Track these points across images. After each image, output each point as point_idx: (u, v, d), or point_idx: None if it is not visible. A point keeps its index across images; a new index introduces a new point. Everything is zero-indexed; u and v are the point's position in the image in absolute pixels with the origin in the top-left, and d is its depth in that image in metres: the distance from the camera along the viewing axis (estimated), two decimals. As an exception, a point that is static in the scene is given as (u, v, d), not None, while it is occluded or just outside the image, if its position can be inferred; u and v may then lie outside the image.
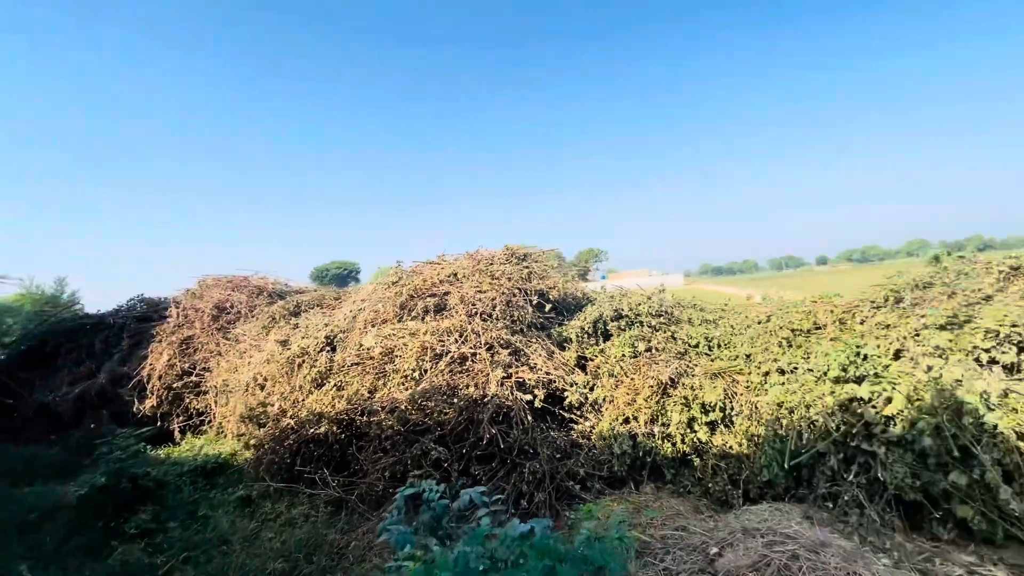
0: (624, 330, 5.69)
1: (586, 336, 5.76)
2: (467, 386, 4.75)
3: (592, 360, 5.55)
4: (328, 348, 6.03)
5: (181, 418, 8.00)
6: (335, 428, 5.35)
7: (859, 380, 4.17)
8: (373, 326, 5.71)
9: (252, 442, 6.07)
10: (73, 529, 4.47)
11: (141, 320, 9.87)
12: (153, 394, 8.02)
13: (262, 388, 6.47)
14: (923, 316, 4.24)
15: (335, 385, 5.54)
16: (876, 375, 4.12)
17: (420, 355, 4.93)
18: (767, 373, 4.75)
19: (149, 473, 5.24)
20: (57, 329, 9.88)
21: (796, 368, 4.63)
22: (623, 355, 5.41)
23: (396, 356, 5.13)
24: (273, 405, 5.93)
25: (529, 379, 4.90)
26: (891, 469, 3.55)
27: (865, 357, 4.26)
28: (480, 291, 5.58)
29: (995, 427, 3.25)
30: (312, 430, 5.35)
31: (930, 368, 3.73)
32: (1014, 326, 3.56)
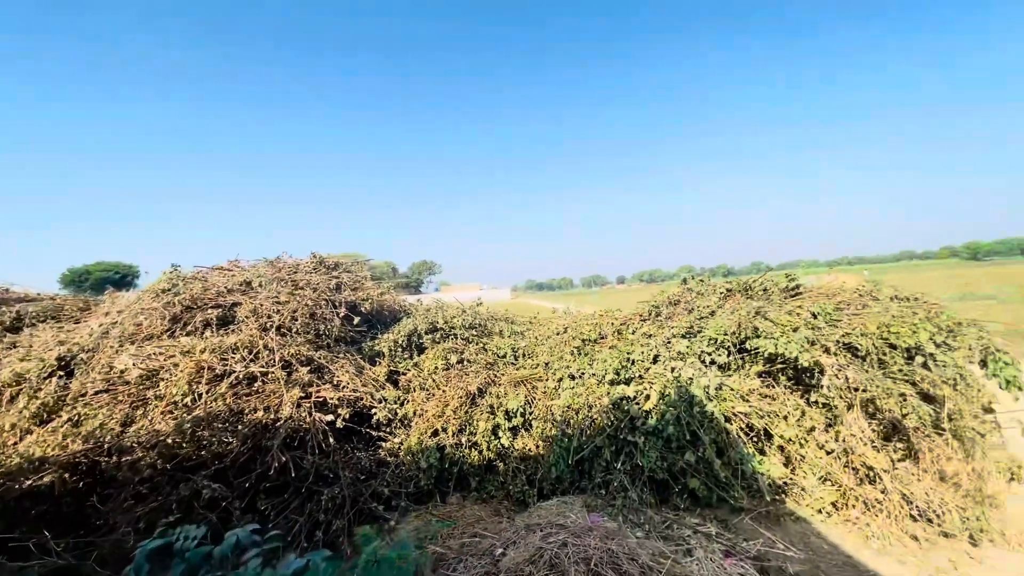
0: (438, 343, 5.75)
1: (400, 350, 5.65)
2: (255, 410, 4.19)
3: (405, 374, 5.46)
4: (62, 373, 4.69)
5: None
6: (67, 476, 4.17)
7: (628, 382, 4.94)
8: (132, 343, 4.64)
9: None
10: None
11: None
12: None
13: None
14: (672, 327, 5.26)
15: (69, 419, 4.33)
16: (640, 377, 4.93)
17: (195, 377, 4.17)
18: (561, 379, 5.30)
19: None
20: None
21: (584, 373, 5.27)
22: (436, 368, 5.45)
23: (162, 379, 4.24)
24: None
25: (332, 398, 4.55)
26: (647, 455, 4.27)
27: (633, 362, 5.07)
28: (278, 302, 5.01)
29: (712, 414, 4.17)
30: (28, 482, 4.08)
31: (674, 369, 4.62)
32: (725, 335, 4.65)
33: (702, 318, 5.24)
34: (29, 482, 4.13)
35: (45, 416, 4.46)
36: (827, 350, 4.22)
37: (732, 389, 4.40)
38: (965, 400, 3.94)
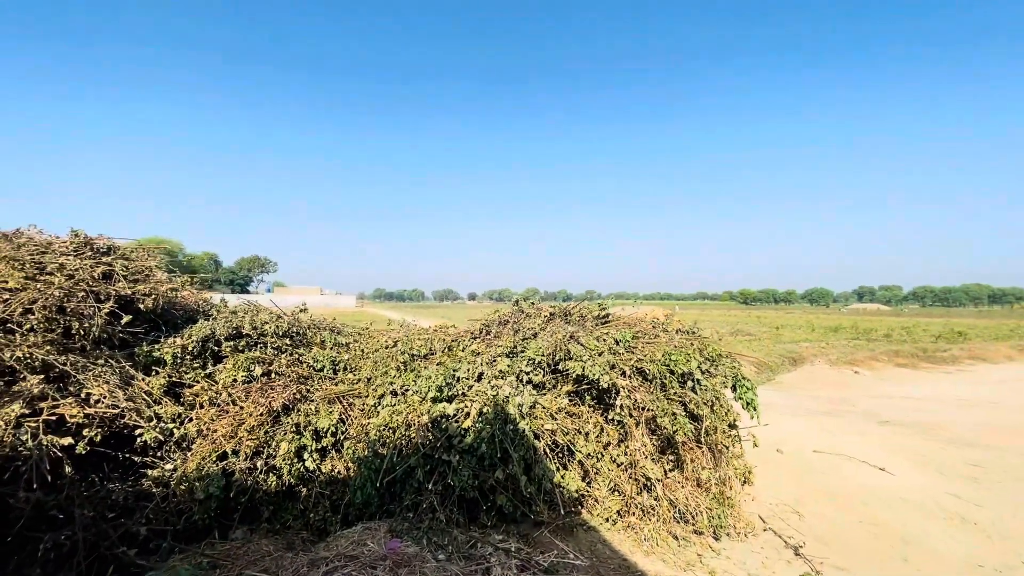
0: (241, 351, 5.00)
1: (189, 357, 4.76)
2: (-62, 432, 3.06)
3: (192, 387, 4.60)
4: None
5: None
6: None
7: (451, 399, 4.90)
8: None
9: None
10: None
11: None
12: None
13: None
14: (498, 346, 5.43)
15: None
16: (463, 394, 4.94)
17: None
18: (382, 396, 5.03)
19: None
20: None
21: (407, 390, 5.08)
22: (235, 380, 4.71)
23: None
24: None
25: (75, 416, 3.58)
26: (459, 473, 4.24)
27: (458, 379, 5.06)
28: (7, 288, 3.80)
29: (523, 431, 4.35)
30: None
31: (494, 387, 4.73)
32: (543, 355, 4.95)
33: (526, 339, 5.51)
34: None
35: None
36: (624, 373, 4.76)
37: (544, 407, 4.67)
38: (718, 418, 4.80)
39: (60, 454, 3.45)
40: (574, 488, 4.39)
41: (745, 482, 5.34)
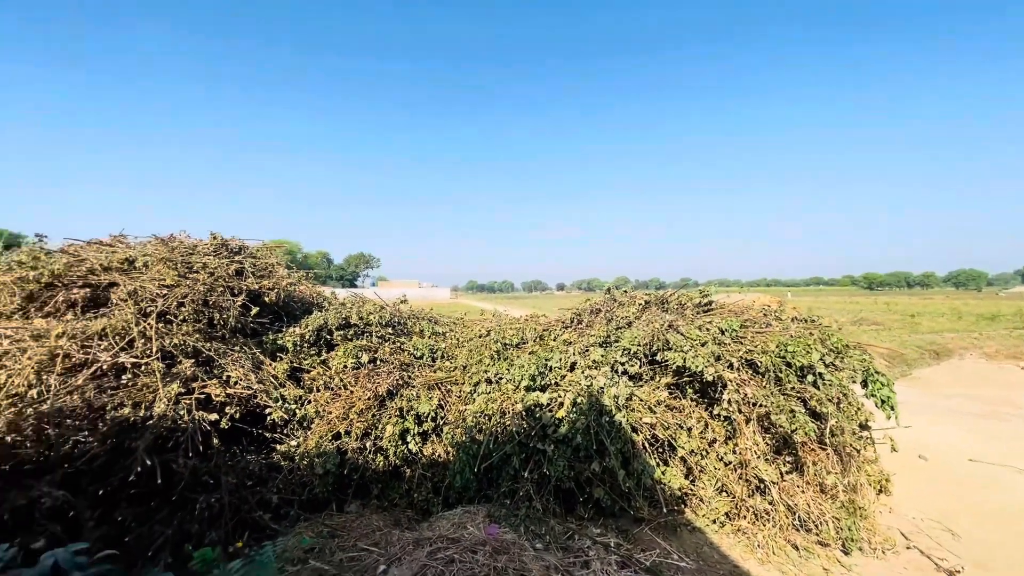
0: (350, 340, 5.40)
1: (306, 345, 5.25)
2: (121, 406, 3.66)
3: (309, 372, 5.06)
4: None
5: None
6: None
7: (544, 388, 4.87)
8: (-30, 323, 3.93)
9: None
10: None
11: None
12: None
13: None
14: (591, 336, 5.28)
15: None
16: (556, 384, 4.89)
17: (45, 365, 3.58)
18: (477, 383, 5.14)
19: None
20: None
21: (501, 378, 5.15)
22: (345, 366, 5.11)
23: (3, 366, 3.61)
24: None
25: (219, 395, 4.10)
26: (555, 463, 4.21)
27: (550, 368, 5.02)
28: (165, 285, 4.45)
29: (620, 424, 4.19)
30: None
31: (588, 377, 4.61)
32: (639, 345, 4.72)
33: (619, 328, 5.30)
34: None
35: None
36: (731, 365, 4.38)
37: (641, 400, 4.46)
38: (846, 418, 4.23)
39: (208, 428, 3.98)
40: (677, 486, 4.15)
41: (881, 491, 4.67)
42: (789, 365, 4.37)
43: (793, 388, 4.27)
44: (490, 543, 2.90)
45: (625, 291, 6.96)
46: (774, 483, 4.08)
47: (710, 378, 4.28)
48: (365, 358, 5.16)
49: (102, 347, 3.83)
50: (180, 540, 3.66)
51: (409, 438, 4.74)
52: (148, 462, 3.45)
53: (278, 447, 4.51)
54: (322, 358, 5.20)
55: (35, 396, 3.50)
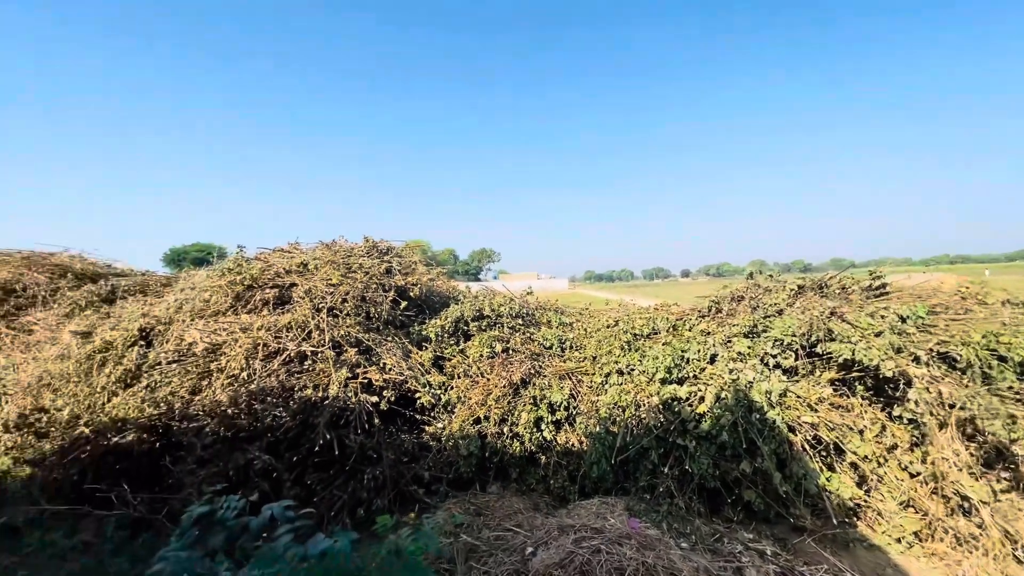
0: (484, 330, 5.69)
1: (446, 335, 5.66)
2: (305, 387, 4.34)
3: (450, 360, 5.46)
4: (142, 342, 5.12)
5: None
6: (144, 436, 4.55)
7: (681, 381, 4.63)
8: (201, 318, 4.97)
9: (28, 456, 4.92)
10: None
11: None
12: None
13: (51, 388, 5.30)
14: (733, 325, 4.86)
15: (147, 386, 4.72)
16: (695, 377, 4.61)
17: (251, 353, 4.39)
18: (608, 374, 5.06)
19: None
20: None
21: (633, 369, 5.00)
22: (481, 355, 5.40)
23: (224, 353, 4.51)
24: (62, 410, 4.88)
25: (378, 380, 4.63)
26: (698, 461, 3.98)
27: (688, 360, 4.74)
28: (332, 284, 5.15)
29: (773, 422, 3.79)
30: (114, 439, 4.50)
31: (732, 371, 4.25)
32: (794, 336, 4.21)
33: (767, 317, 4.79)
34: (115, 439, 4.55)
35: (128, 381, 4.90)
36: (917, 359, 3.69)
37: (798, 396, 3.99)
38: (1095, 428, 3.30)
39: (371, 409, 4.51)
40: (847, 496, 3.64)
41: None
42: (1003, 359, 3.55)
43: (1010, 388, 3.46)
44: (635, 538, 2.84)
45: (770, 275, 6.27)
46: (984, 503, 3.35)
47: (889, 373, 3.67)
48: (499, 347, 5.39)
49: (289, 337, 4.59)
50: (353, 505, 4.23)
51: (543, 426, 4.86)
52: (328, 436, 4.04)
53: (427, 428, 4.95)
54: (460, 347, 5.57)
55: (245, 377, 4.30)
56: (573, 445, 4.81)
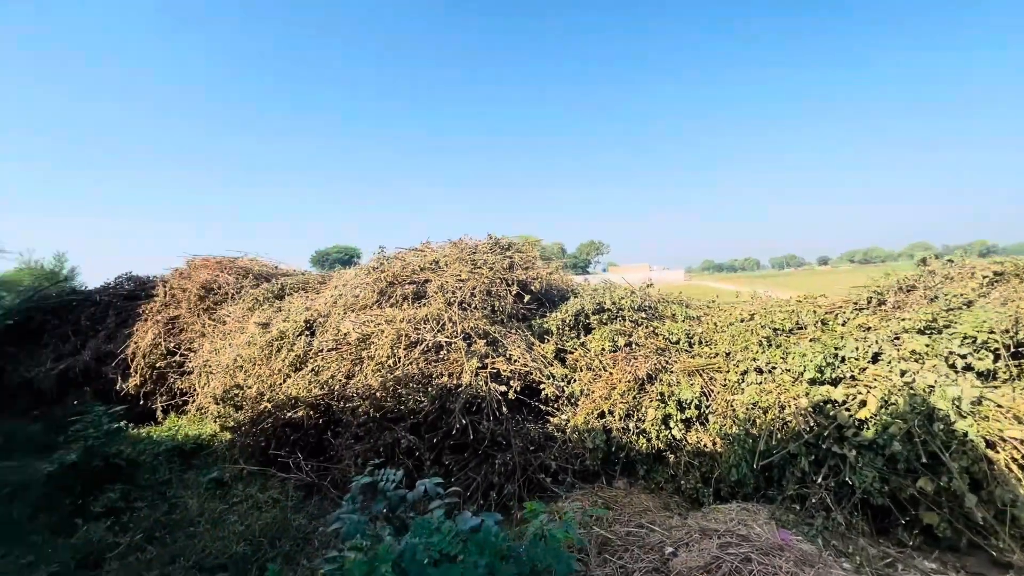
0: (605, 324, 5.63)
1: (567, 328, 5.70)
2: (441, 375, 4.70)
3: (571, 353, 5.50)
4: (307, 332, 5.97)
5: (164, 397, 7.97)
6: (311, 413, 5.32)
7: (835, 382, 4.12)
8: (352, 312, 5.65)
9: (229, 424, 6.05)
10: (41, 507, 4.46)
11: (128, 298, 9.81)
12: (136, 373, 7.99)
13: (242, 370, 6.43)
14: (903, 319, 4.18)
15: (312, 370, 5.50)
16: (852, 377, 4.07)
17: (395, 342, 4.87)
18: (745, 372, 4.69)
19: (122, 452, 5.23)
20: (44, 305, 9.83)
21: (774, 368, 4.57)
22: (603, 349, 5.35)
23: (372, 343, 5.07)
24: (251, 388, 5.90)
25: (505, 370, 4.84)
26: (860, 473, 3.51)
27: (843, 359, 4.21)
28: (460, 280, 5.50)
29: (965, 435, 3.20)
30: (288, 414, 5.33)
31: (905, 372, 3.67)
32: (991, 332, 3.50)
33: (951, 309, 4.04)
34: (289, 414, 5.38)
35: (297, 365, 5.75)
36: None
37: (1000, 406, 3.31)
38: None
39: (499, 397, 4.74)
40: (1077, 531, 2.94)
41: None
42: None
43: None
44: (788, 551, 2.60)
45: (949, 260, 5.29)
46: None
47: None
48: (621, 341, 5.30)
49: (426, 329, 5.00)
50: (486, 488, 4.49)
51: (672, 423, 4.67)
52: (463, 421, 4.33)
53: (551, 419, 5.06)
54: (581, 340, 5.58)
55: (391, 364, 4.79)
56: (705, 445, 4.55)
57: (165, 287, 9.36)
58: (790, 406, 4.10)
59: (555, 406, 5.16)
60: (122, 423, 6.00)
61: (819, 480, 3.71)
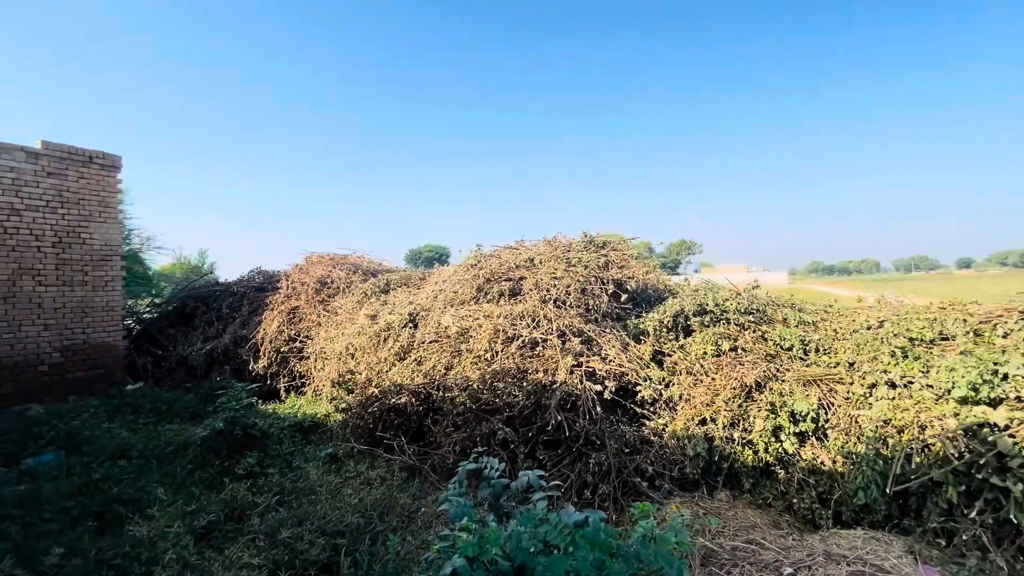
0: (707, 326, 5.33)
1: (664, 330, 5.49)
2: (536, 371, 4.77)
3: (670, 356, 5.29)
4: (411, 325, 6.37)
5: (286, 379, 8.96)
6: (413, 400, 5.67)
7: (994, 403, 3.55)
8: (451, 306, 5.93)
9: (342, 406, 6.64)
10: (196, 464, 5.24)
11: (258, 290, 11.15)
12: (264, 355, 9.07)
13: (353, 357, 7.03)
14: (1093, 333, 3.48)
15: (415, 360, 5.85)
16: (1019, 399, 3.48)
17: (492, 337, 5.03)
18: (873, 385, 4.20)
19: (257, 424, 5.96)
20: (195, 294, 11.50)
21: (911, 383, 4.04)
22: (704, 353, 5.08)
23: (470, 337, 5.29)
24: (360, 374, 6.43)
25: (600, 369, 4.79)
26: (1028, 510, 3.00)
27: (1005, 377, 3.61)
28: (555, 277, 5.53)
29: None
30: (393, 400, 5.73)
31: (1096, 396, 3.06)
32: None
33: None
34: (393, 400, 5.77)
35: (402, 355, 6.16)
36: None
37: None
38: None
39: (594, 396, 4.70)
40: None
41: None
42: None
43: None
44: (936, 589, 2.29)
45: None
46: None
47: None
48: (726, 346, 5.00)
49: (522, 325, 5.11)
50: (580, 486, 4.48)
51: (783, 436, 4.32)
52: (559, 417, 4.36)
53: (647, 423, 4.91)
54: (680, 343, 5.34)
55: (488, 358, 4.96)
56: (823, 463, 4.15)
57: (287, 281, 10.50)
58: (933, 426, 3.60)
59: (651, 409, 5.00)
60: (254, 399, 6.85)
61: (972, 515, 3.22)
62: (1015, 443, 3.21)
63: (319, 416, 7.30)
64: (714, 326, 5.34)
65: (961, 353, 4.07)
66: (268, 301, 10.21)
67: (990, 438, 3.28)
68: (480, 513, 2.90)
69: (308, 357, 8.92)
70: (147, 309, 11.93)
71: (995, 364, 3.68)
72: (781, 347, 5.02)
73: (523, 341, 5.02)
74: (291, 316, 9.75)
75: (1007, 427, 3.32)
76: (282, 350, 9.16)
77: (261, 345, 9.34)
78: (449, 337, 5.54)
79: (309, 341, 9.14)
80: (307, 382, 8.93)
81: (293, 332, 9.42)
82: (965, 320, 4.44)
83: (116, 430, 6.41)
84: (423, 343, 5.87)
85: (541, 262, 5.97)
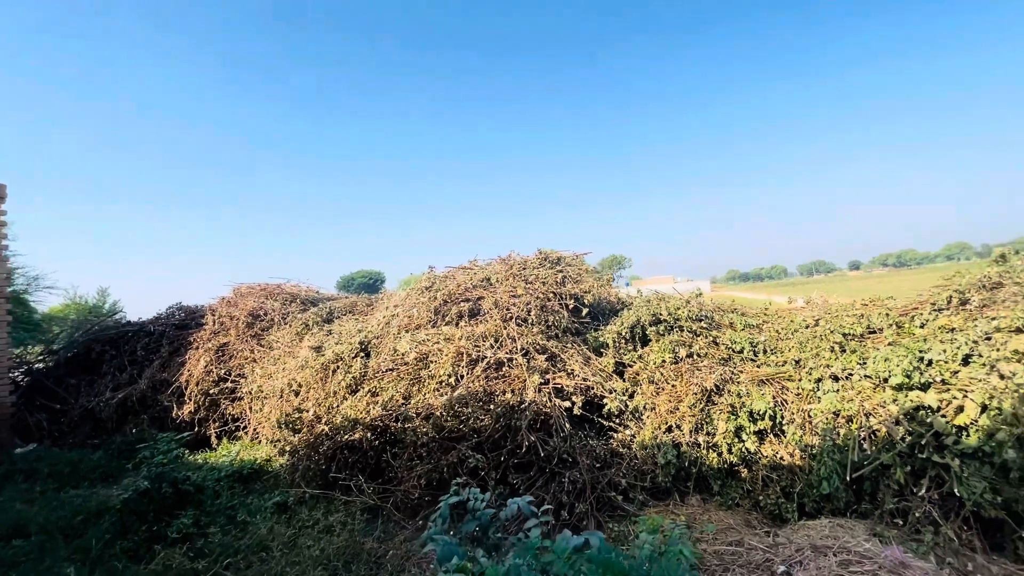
0: (663, 335, 5.50)
1: (623, 341, 5.59)
2: (504, 392, 4.65)
3: (631, 366, 5.37)
4: (362, 354, 6.01)
5: (217, 423, 8.10)
6: (369, 435, 5.30)
7: (924, 387, 3.91)
8: (407, 331, 5.67)
9: (287, 448, 6.08)
10: (117, 532, 4.52)
11: (179, 327, 10.10)
12: (190, 400, 8.16)
13: (296, 394, 6.49)
14: (994, 319, 3.96)
15: (369, 391, 5.50)
16: (943, 382, 3.86)
17: (456, 360, 4.85)
18: (819, 380, 4.50)
19: (189, 478, 5.29)
20: (101, 337, 10.18)
21: (851, 374, 4.37)
22: (663, 361, 5.22)
23: (431, 362, 5.06)
24: (308, 411, 5.93)
25: (567, 385, 4.76)
26: (967, 484, 3.29)
27: (929, 363, 4.00)
28: (514, 295, 5.48)
29: (1090, 439, 2.97)
30: (347, 436, 5.32)
31: (1006, 376, 3.45)
32: (1105, 328, 3.27)
33: (1050, 306, 3.81)
34: (347, 436, 5.37)
35: (354, 387, 5.77)
36: None
37: (1124, 407, 3.06)
38: None
39: (563, 413, 4.64)
40: None
41: None
42: None
43: None
44: (914, 568, 2.42)
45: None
46: None
47: None
48: (682, 352, 5.16)
49: (485, 346, 4.97)
50: (556, 508, 4.36)
51: (744, 436, 4.49)
52: (531, 439, 4.25)
53: (614, 435, 4.92)
54: (639, 353, 5.45)
55: (452, 383, 4.76)
56: (783, 458, 4.35)
57: (214, 315, 9.60)
58: (878, 413, 3.90)
59: (618, 421, 5.03)
60: (182, 449, 6.10)
61: (920, 492, 3.49)
62: (947, 422, 3.54)
63: (259, 461, 6.63)
64: (669, 334, 5.51)
65: (890, 344, 4.47)
66: (192, 339, 9.26)
67: (927, 420, 3.59)
68: (466, 550, 2.70)
69: (242, 398, 8.14)
70: (40, 358, 10.38)
71: (920, 352, 4.07)
72: (733, 350, 5.26)
73: (488, 362, 4.88)
74: (220, 354, 8.88)
75: (939, 408, 3.66)
76: (211, 392, 8.30)
77: (186, 388, 8.41)
78: (407, 364, 5.27)
79: (242, 380, 8.35)
80: (242, 425, 8.13)
81: (223, 371, 8.57)
82: (887, 314, 4.91)
83: (6, 504, 5.43)
84: (378, 372, 5.54)
85: (498, 281, 5.89)
